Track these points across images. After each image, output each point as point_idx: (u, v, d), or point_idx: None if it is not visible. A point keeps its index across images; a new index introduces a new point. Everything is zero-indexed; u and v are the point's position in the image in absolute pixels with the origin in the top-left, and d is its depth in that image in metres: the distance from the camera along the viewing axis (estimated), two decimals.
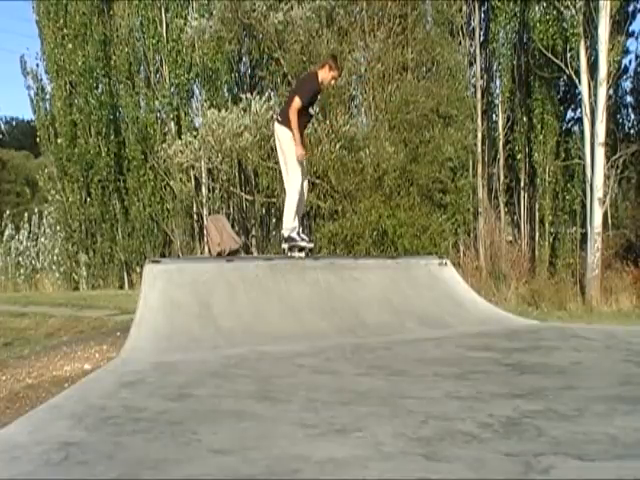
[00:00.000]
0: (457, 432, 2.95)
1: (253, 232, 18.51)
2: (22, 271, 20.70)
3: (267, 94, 14.09)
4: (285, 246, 7.37)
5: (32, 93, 19.48)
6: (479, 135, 14.90)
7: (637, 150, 14.67)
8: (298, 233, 7.37)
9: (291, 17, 13.27)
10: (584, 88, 12.69)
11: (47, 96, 19.44)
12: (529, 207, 15.78)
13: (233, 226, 14.30)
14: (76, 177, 18.73)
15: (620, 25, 13.69)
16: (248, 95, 14.06)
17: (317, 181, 13.52)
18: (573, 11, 12.62)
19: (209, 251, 8.72)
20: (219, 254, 7.95)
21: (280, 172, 14.51)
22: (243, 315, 6.00)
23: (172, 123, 18.37)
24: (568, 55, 12.87)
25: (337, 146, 12.84)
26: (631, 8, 14.53)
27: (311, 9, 13.34)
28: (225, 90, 18.26)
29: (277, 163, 13.94)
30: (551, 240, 15.18)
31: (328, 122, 13.33)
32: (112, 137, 18.77)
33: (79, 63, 18.27)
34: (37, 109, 19.46)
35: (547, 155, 14.74)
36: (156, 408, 3.45)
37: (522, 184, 15.71)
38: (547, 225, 15.07)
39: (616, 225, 14.99)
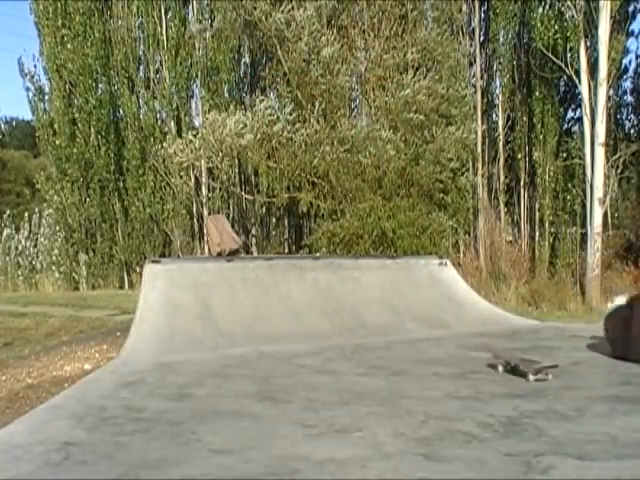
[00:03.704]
0: (457, 432, 2.95)
1: (253, 232, 18.51)
2: (21, 271, 20.70)
3: (266, 94, 14.08)
4: None
5: (30, 94, 19.51)
6: (479, 135, 14.90)
7: (637, 150, 14.65)
8: None
9: (293, 16, 13.27)
10: (584, 88, 12.69)
11: (45, 96, 19.45)
12: (529, 207, 15.78)
13: (233, 226, 14.29)
14: (75, 177, 18.72)
15: (620, 25, 13.69)
16: (253, 96, 14.07)
17: (317, 181, 13.53)
18: (573, 11, 12.63)
19: (209, 251, 8.72)
20: (219, 254, 7.96)
21: (280, 172, 14.60)
22: (243, 315, 6.01)
23: (172, 123, 18.37)
24: (568, 55, 12.86)
25: (340, 149, 12.83)
26: (631, 8, 14.53)
27: (312, 8, 13.34)
28: (225, 90, 18.27)
29: (276, 162, 14.08)
30: (551, 240, 15.17)
31: (329, 123, 13.33)
32: (112, 137, 18.77)
33: (79, 63, 18.27)
34: (36, 109, 19.48)
35: (547, 155, 14.73)
36: (156, 408, 3.46)
37: (522, 184, 15.71)
38: (547, 225, 15.07)
39: (616, 225, 14.98)
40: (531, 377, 4.20)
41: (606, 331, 5.29)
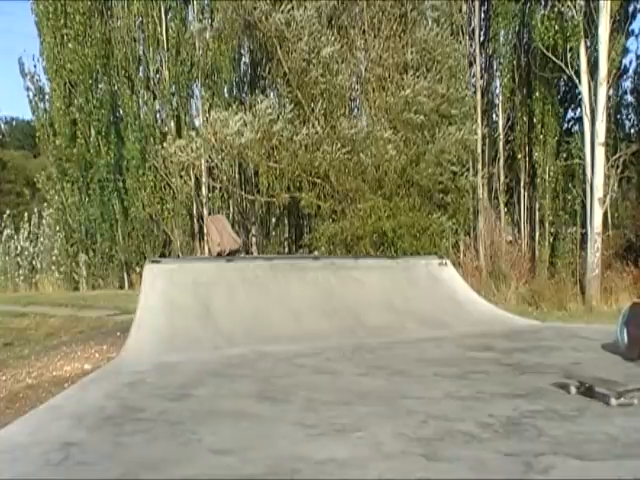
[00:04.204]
0: (457, 432, 2.95)
1: (253, 232, 18.51)
2: (21, 271, 20.71)
3: (267, 94, 14.09)
4: None
5: (31, 94, 19.52)
6: (479, 135, 14.90)
7: (637, 150, 14.65)
8: None
9: (293, 16, 13.26)
10: (584, 88, 12.69)
11: (46, 97, 19.47)
12: (529, 207, 15.78)
13: (233, 226, 14.29)
14: (75, 177, 18.74)
15: (620, 25, 13.70)
16: (253, 96, 14.07)
17: (317, 181, 13.53)
18: (573, 11, 12.63)
19: (209, 251, 8.73)
20: (219, 254, 7.95)
21: (280, 171, 14.60)
22: (243, 315, 6.00)
23: (172, 123, 18.37)
24: (568, 55, 12.86)
25: (342, 150, 12.82)
26: (631, 8, 14.52)
27: (313, 8, 13.33)
28: (225, 90, 18.28)
29: (277, 162, 14.07)
30: (551, 240, 15.17)
31: (329, 123, 13.32)
32: (112, 137, 18.77)
33: (79, 63, 18.27)
34: (36, 109, 19.49)
35: (547, 155, 14.73)
36: (156, 408, 3.45)
37: (522, 184, 15.71)
38: (547, 225, 15.07)
39: (616, 225, 14.99)
40: (613, 401, 3.52)
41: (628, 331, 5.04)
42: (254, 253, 17.18)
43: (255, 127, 12.83)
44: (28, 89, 19.57)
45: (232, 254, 7.91)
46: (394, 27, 13.74)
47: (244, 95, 18.31)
